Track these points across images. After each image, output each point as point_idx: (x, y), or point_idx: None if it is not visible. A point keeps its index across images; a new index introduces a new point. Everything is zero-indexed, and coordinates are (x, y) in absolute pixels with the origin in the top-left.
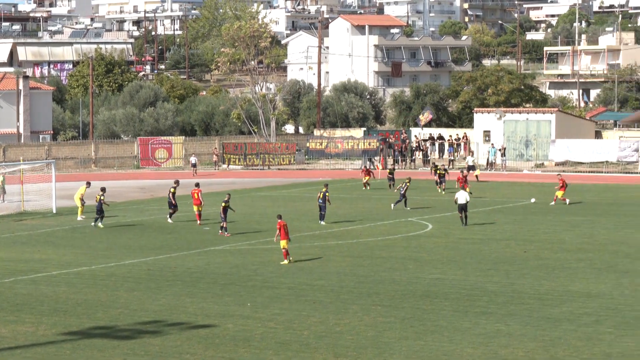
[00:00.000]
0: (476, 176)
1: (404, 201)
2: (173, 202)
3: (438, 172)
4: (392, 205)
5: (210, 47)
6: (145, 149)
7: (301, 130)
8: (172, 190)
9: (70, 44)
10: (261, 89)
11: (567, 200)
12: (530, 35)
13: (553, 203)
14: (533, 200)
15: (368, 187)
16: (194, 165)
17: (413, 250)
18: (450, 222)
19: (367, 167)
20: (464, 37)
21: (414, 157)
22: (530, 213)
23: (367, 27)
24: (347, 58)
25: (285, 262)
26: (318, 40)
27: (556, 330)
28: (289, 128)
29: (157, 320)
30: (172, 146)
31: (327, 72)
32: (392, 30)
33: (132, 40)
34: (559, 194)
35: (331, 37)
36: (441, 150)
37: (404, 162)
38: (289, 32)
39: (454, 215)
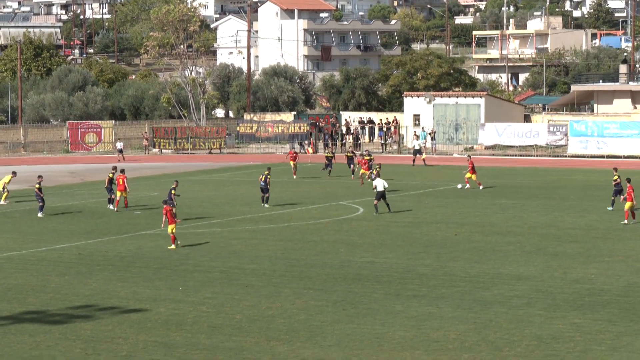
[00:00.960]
0: (423, 160)
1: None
2: (108, 187)
3: (347, 155)
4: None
5: (139, 31)
6: (75, 133)
7: (231, 114)
8: (110, 175)
9: None
10: (191, 73)
11: (481, 186)
12: (459, 20)
13: (461, 186)
14: (459, 186)
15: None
16: (121, 151)
17: (344, 234)
18: (380, 205)
19: (295, 151)
20: (393, 21)
21: (344, 141)
22: (461, 196)
23: (296, 11)
24: (276, 42)
25: (173, 246)
26: (247, 25)
27: (487, 312)
28: (219, 112)
29: (89, 305)
30: (102, 130)
31: (257, 56)
32: (322, 14)
33: (60, 24)
34: (469, 176)
35: (260, 21)
36: (371, 134)
37: (334, 146)
38: (218, 16)
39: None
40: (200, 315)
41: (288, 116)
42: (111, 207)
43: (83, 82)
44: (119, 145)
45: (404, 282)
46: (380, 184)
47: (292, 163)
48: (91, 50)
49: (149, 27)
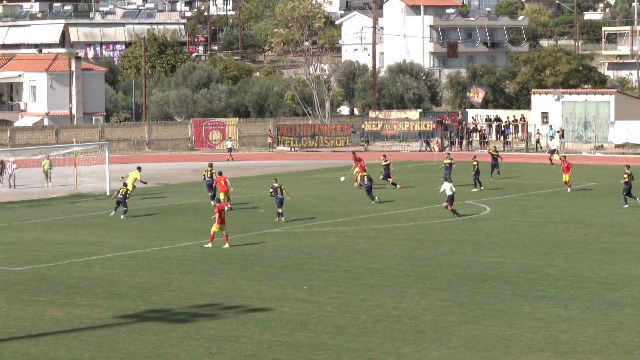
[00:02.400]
0: (550, 159)
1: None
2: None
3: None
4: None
5: (263, 28)
6: (199, 131)
7: (356, 111)
8: (206, 173)
9: (122, 24)
10: (315, 70)
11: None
12: (588, 15)
13: (569, 190)
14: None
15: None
16: (230, 150)
17: (471, 233)
18: (508, 205)
19: (356, 155)
20: (520, 17)
21: (470, 139)
22: (590, 196)
23: (422, 7)
24: (402, 39)
25: (209, 245)
26: (372, 21)
27: (617, 314)
28: (344, 110)
29: (213, 304)
30: (226, 128)
31: (382, 53)
32: (448, 10)
33: (184, 20)
34: (565, 177)
35: (386, 17)
36: (498, 132)
37: (460, 144)
38: (342, 12)
39: (512, 197)
40: (324, 315)
41: (414, 114)
42: (213, 203)
43: (207, 79)
44: (229, 144)
45: (531, 283)
46: (447, 188)
47: (357, 170)
48: (215, 47)
49: (274, 24)
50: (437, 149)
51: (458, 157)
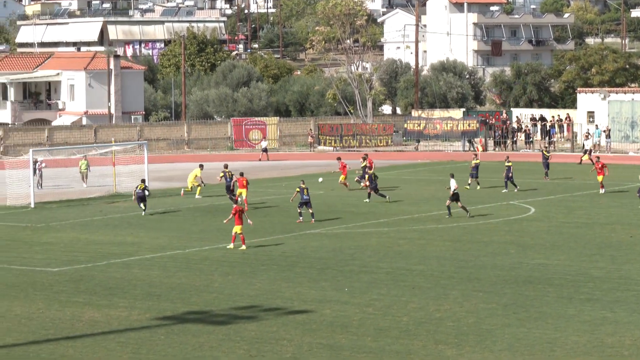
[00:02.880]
0: (581, 158)
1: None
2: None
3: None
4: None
5: (304, 26)
6: (239, 130)
7: (399, 110)
8: (224, 173)
9: (162, 22)
10: (357, 69)
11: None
12: (635, 13)
13: (602, 191)
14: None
15: (347, 185)
16: (265, 150)
17: (515, 235)
18: (553, 205)
19: (343, 163)
20: (566, 15)
21: (515, 139)
22: (637, 197)
23: (465, 4)
24: (445, 37)
25: (231, 246)
26: (415, 18)
27: None
28: (386, 109)
29: (253, 305)
30: (267, 127)
31: (425, 51)
32: (492, 8)
33: (224, 18)
34: (600, 178)
35: (429, 15)
36: (543, 132)
37: (504, 144)
38: (385, 9)
39: (557, 198)
40: (366, 317)
41: (457, 113)
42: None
43: (247, 77)
44: (264, 144)
45: (577, 285)
46: (453, 184)
47: (341, 177)
48: (255, 45)
49: (315, 21)
50: (480, 148)
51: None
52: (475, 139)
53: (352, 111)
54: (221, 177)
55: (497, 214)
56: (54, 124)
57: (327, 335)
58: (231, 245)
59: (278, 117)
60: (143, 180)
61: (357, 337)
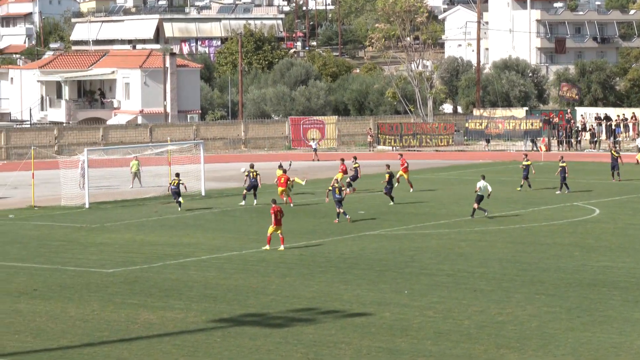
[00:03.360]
0: (637, 159)
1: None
2: (258, 184)
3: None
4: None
5: (363, 23)
6: (297, 129)
7: (460, 109)
8: (249, 172)
9: (218, 19)
10: (417, 67)
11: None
12: None
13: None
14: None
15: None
16: (315, 150)
17: (579, 237)
18: (618, 207)
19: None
20: (632, 12)
21: (579, 139)
22: None
23: (528, 1)
24: (507, 34)
25: (267, 247)
26: (477, 15)
27: None
28: (447, 107)
29: (310, 308)
30: (325, 126)
31: (487, 49)
32: (555, 5)
33: (282, 15)
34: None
35: (490, 11)
36: (608, 131)
37: (569, 144)
38: (446, 6)
39: (622, 199)
40: (426, 321)
41: (520, 112)
42: (243, 203)
43: (305, 76)
44: (314, 144)
45: None
46: (483, 186)
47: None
48: (314, 43)
49: (374, 19)
50: (544, 148)
51: (568, 157)
52: (538, 139)
53: (412, 110)
54: (246, 175)
55: (560, 215)
56: (108, 122)
57: (387, 338)
58: (267, 247)
59: (337, 116)
60: (177, 175)
61: (417, 341)
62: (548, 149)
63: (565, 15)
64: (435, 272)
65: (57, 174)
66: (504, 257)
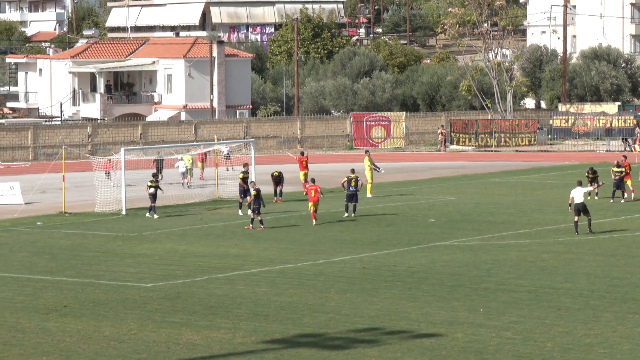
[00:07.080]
0: None
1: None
2: (245, 188)
3: None
4: None
5: (435, 7)
6: (360, 127)
7: (543, 105)
8: (241, 175)
9: (272, 3)
10: (496, 56)
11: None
12: None
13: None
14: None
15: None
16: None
17: None
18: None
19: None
20: None
21: None
22: None
23: None
24: (597, 19)
25: (314, 222)
26: None
27: None
28: (529, 102)
29: (374, 328)
30: (391, 123)
31: (574, 36)
32: None
33: None
34: (627, 182)
35: None
36: None
37: None
38: None
39: None
40: (504, 343)
41: (611, 107)
42: (240, 212)
43: (369, 66)
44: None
45: None
46: (579, 194)
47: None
48: (379, 30)
49: (447, 3)
50: (638, 148)
51: None
52: (631, 138)
53: (489, 105)
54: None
55: None
56: (148, 119)
57: None
58: (314, 222)
59: (404, 112)
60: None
61: None
62: None
63: None
64: (515, 288)
65: (91, 176)
66: (592, 272)
